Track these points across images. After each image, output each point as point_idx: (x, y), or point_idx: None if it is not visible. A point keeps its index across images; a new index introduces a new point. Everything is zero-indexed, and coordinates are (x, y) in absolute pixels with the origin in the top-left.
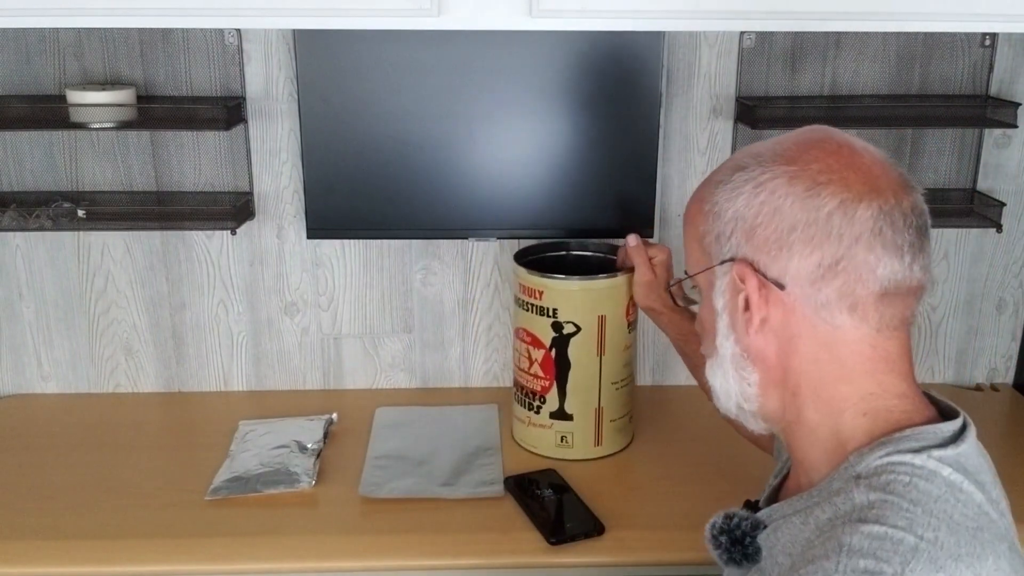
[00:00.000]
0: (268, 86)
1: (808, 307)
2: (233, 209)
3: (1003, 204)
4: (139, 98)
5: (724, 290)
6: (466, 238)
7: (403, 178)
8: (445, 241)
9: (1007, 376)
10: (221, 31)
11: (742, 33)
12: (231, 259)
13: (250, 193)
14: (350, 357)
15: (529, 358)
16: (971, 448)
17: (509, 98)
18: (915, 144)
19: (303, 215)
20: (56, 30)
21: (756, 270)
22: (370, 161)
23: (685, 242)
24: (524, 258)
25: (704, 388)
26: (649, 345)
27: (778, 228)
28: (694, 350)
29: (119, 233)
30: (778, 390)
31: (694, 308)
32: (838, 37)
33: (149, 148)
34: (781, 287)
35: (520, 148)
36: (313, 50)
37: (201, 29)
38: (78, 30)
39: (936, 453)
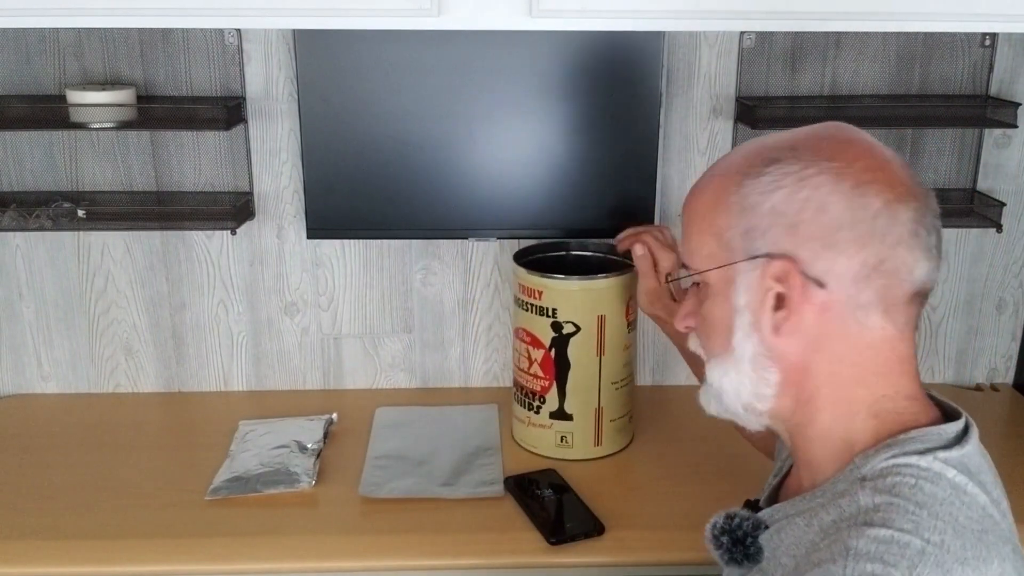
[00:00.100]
0: (268, 86)
1: (846, 307)
2: (233, 209)
3: (1003, 204)
4: (139, 98)
5: (749, 286)
6: (466, 238)
7: (403, 178)
8: (445, 241)
9: (1007, 376)
10: (221, 31)
11: (742, 33)
12: (231, 259)
13: (250, 193)
14: (350, 357)
15: (529, 358)
16: (974, 449)
17: (509, 98)
18: (915, 144)
19: (303, 215)
20: (56, 30)
21: (799, 268)
22: (370, 161)
23: (691, 236)
24: (524, 258)
25: None
26: (649, 345)
27: (824, 226)
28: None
29: (119, 233)
30: (794, 390)
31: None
32: (838, 37)
33: (149, 148)
34: (821, 286)
35: (520, 148)
36: (313, 50)
37: (201, 29)
38: (78, 30)
39: (942, 455)
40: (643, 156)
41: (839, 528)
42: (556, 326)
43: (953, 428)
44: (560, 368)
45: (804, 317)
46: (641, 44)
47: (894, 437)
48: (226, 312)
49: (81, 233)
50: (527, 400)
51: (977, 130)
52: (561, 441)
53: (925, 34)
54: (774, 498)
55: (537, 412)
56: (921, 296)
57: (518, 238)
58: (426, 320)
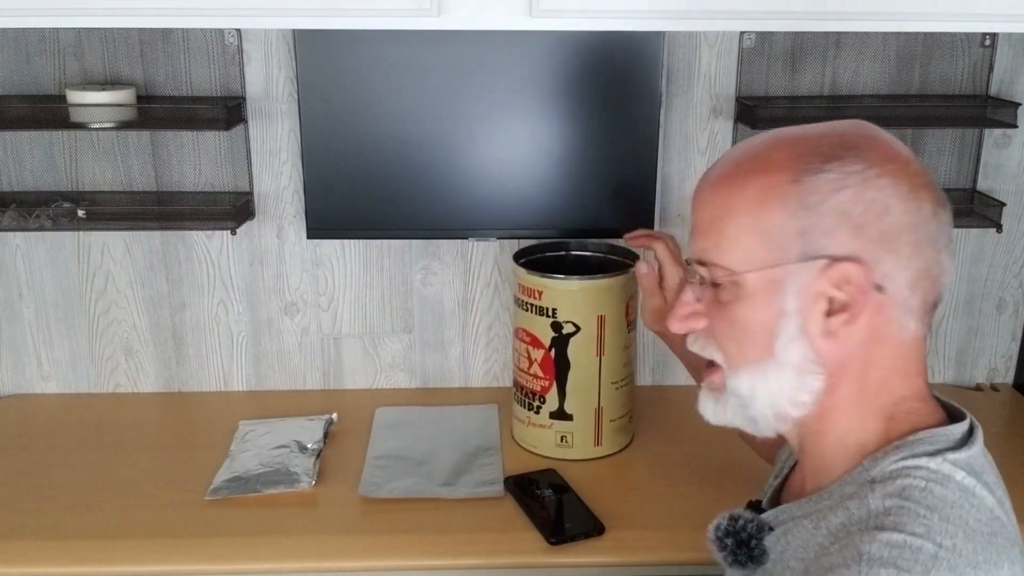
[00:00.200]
0: (268, 86)
1: (897, 311)
2: (233, 209)
3: (1003, 204)
4: (139, 98)
5: (802, 289)
6: (466, 238)
7: (403, 178)
8: (445, 241)
9: (1007, 376)
10: (221, 31)
11: (742, 33)
12: (231, 259)
13: (250, 193)
14: (350, 357)
15: (529, 358)
16: (979, 450)
17: (509, 98)
18: (915, 144)
19: (303, 215)
20: (56, 30)
21: (866, 271)
22: (370, 161)
23: (723, 232)
24: (524, 258)
25: None
26: (649, 345)
27: (886, 229)
28: None
29: (119, 233)
30: (828, 396)
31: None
32: (838, 37)
33: (149, 148)
34: (880, 290)
35: (520, 148)
36: (313, 50)
37: (201, 29)
38: (78, 30)
39: (951, 456)
40: (643, 156)
41: (849, 532)
42: (556, 326)
43: (959, 429)
44: (560, 368)
45: (860, 322)
46: (641, 44)
47: (903, 438)
48: (226, 312)
49: (81, 233)
50: (527, 400)
51: (977, 130)
52: (561, 441)
53: (925, 34)
54: (776, 499)
55: (537, 412)
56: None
57: (518, 238)
58: (426, 320)
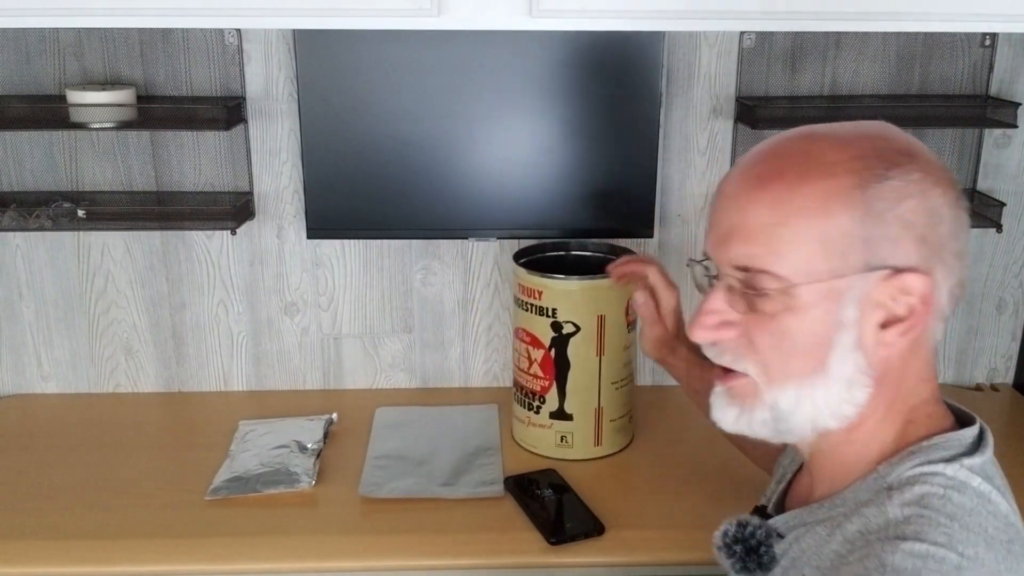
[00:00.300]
0: (268, 86)
1: (935, 320)
2: (233, 209)
3: (1003, 204)
4: (139, 98)
5: (862, 300)
6: (466, 238)
7: (403, 178)
8: (445, 241)
9: (1007, 376)
10: (221, 31)
11: (742, 33)
12: (231, 259)
13: (250, 193)
14: (350, 357)
15: (529, 358)
16: (991, 454)
17: (509, 98)
18: None
19: (303, 215)
20: (56, 30)
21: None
22: (370, 161)
23: (784, 239)
24: (524, 258)
25: (735, 442)
26: None
27: (939, 238)
28: None
29: (119, 233)
30: (866, 406)
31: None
32: (838, 37)
33: (149, 148)
34: (933, 300)
35: (520, 148)
36: (313, 50)
37: (201, 29)
38: (78, 30)
39: (967, 462)
40: (643, 156)
41: (868, 541)
42: (556, 326)
43: (970, 433)
44: (560, 368)
45: (914, 332)
46: (641, 44)
47: (917, 444)
48: (226, 312)
49: (81, 233)
50: (527, 400)
51: (977, 130)
52: (561, 441)
53: (925, 34)
54: (780, 504)
55: (537, 412)
56: None
57: (518, 238)
58: (426, 320)
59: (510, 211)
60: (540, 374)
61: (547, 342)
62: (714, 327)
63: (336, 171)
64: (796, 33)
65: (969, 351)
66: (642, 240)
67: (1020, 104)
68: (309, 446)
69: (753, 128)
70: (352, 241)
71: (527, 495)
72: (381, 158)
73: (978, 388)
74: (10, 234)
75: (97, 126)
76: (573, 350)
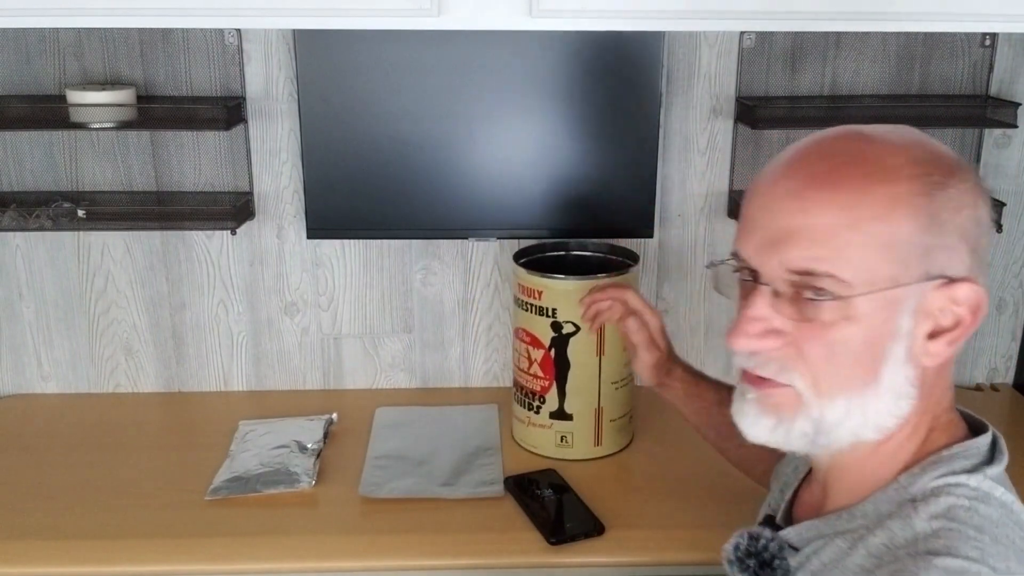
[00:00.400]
0: (268, 86)
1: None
2: (233, 209)
3: (1003, 204)
4: (139, 98)
5: (918, 310)
6: (466, 238)
7: (403, 178)
8: (445, 241)
9: (1007, 376)
10: (221, 31)
11: (742, 33)
12: (231, 259)
13: (250, 193)
14: (350, 357)
15: (529, 358)
16: (1005, 463)
17: (509, 98)
18: None
19: (303, 215)
20: (56, 30)
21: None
22: (370, 161)
23: (853, 243)
24: (524, 258)
25: (732, 459)
26: None
27: (984, 248)
28: (724, 418)
29: (119, 233)
30: (906, 417)
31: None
32: (838, 37)
33: (149, 148)
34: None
35: (520, 148)
36: (313, 50)
37: (201, 29)
38: (78, 30)
39: (989, 472)
40: (643, 156)
41: (896, 556)
42: (556, 326)
43: (985, 441)
44: (560, 368)
45: (960, 342)
46: (641, 44)
47: (937, 453)
48: (226, 312)
49: (81, 233)
50: (527, 400)
51: (977, 130)
52: (561, 441)
53: (925, 34)
54: (788, 515)
55: (537, 412)
56: None
57: (518, 238)
58: (426, 320)
59: (510, 211)
60: (540, 374)
61: (547, 342)
62: (758, 335)
63: (336, 171)
64: (796, 33)
65: (969, 351)
66: (642, 240)
67: (1020, 104)
68: (309, 446)
69: (753, 128)
70: (352, 241)
71: (527, 495)
72: (381, 158)
73: (978, 388)
74: (10, 234)
75: (97, 126)
76: (573, 350)
